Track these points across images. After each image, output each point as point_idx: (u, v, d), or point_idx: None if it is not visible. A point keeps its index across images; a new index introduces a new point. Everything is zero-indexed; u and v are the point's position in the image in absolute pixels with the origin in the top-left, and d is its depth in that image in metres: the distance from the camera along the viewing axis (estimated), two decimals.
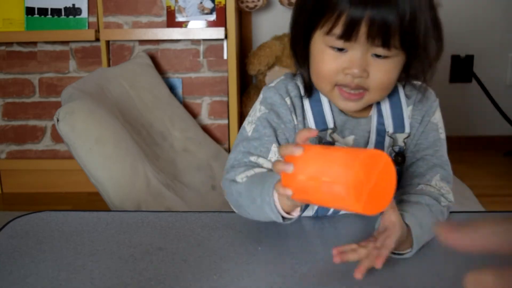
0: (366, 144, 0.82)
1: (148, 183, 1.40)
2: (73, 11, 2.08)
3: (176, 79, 2.13)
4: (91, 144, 1.31)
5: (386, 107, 0.84)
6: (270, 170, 0.79)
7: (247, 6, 2.30)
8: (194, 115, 2.08)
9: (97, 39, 2.08)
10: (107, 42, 2.10)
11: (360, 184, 0.53)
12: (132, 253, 0.73)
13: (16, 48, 2.16)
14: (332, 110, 0.83)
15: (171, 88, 2.07)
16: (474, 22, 2.64)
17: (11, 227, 0.82)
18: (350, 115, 0.83)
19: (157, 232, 0.80)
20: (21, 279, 0.67)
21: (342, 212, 0.85)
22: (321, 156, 0.58)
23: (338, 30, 0.72)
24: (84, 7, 2.08)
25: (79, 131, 1.30)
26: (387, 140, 0.83)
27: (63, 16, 2.09)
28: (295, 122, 0.82)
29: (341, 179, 0.54)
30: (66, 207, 2.06)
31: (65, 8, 2.08)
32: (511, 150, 2.66)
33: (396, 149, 0.83)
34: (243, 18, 2.51)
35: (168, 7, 2.08)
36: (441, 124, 0.86)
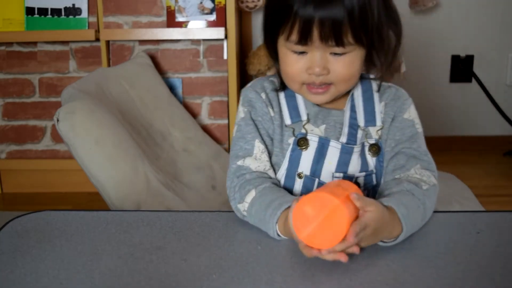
0: (339, 135, 0.87)
1: (148, 183, 1.40)
2: (73, 11, 2.08)
3: (176, 79, 2.13)
4: (91, 144, 1.31)
5: (359, 103, 0.89)
6: (257, 175, 0.85)
7: (247, 6, 2.30)
8: (194, 115, 2.08)
9: (97, 39, 2.08)
10: (107, 42, 2.10)
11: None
12: (132, 252, 0.73)
13: (16, 48, 2.16)
14: (305, 103, 0.89)
15: (171, 88, 2.07)
16: (474, 22, 2.64)
17: (11, 227, 0.82)
18: (322, 106, 0.89)
19: (157, 232, 0.80)
20: (21, 279, 0.67)
21: None
22: None
23: (294, 36, 0.78)
24: (84, 7, 2.08)
25: (79, 131, 1.30)
26: (360, 132, 0.88)
27: (63, 16, 2.09)
28: (272, 114, 0.89)
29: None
30: (66, 207, 2.06)
31: (65, 8, 2.08)
32: (511, 150, 2.66)
33: (371, 141, 0.88)
34: (243, 18, 2.51)
35: (168, 7, 2.08)
36: (417, 120, 0.91)
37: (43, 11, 2.09)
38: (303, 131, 0.87)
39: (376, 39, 0.80)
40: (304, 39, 0.77)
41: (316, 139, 0.87)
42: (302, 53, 0.81)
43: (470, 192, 1.59)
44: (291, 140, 0.87)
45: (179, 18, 2.08)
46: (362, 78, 0.91)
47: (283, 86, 0.90)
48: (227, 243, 0.76)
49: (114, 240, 0.77)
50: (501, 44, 2.66)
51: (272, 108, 0.89)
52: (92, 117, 1.34)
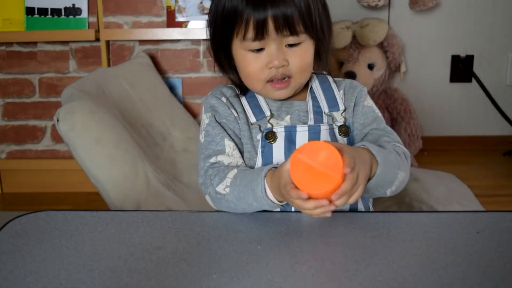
0: (306, 121, 0.92)
1: (148, 183, 1.40)
2: (73, 11, 2.08)
3: (176, 79, 2.13)
4: (91, 144, 1.31)
5: (319, 93, 0.96)
6: (232, 166, 0.89)
7: None
8: (194, 115, 2.09)
9: (97, 39, 2.08)
10: (107, 42, 2.10)
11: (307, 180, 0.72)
12: (132, 252, 0.73)
13: (16, 48, 2.16)
14: (266, 100, 0.95)
15: (171, 88, 2.07)
16: (474, 22, 2.64)
17: (11, 227, 0.82)
18: (283, 100, 0.94)
19: (157, 232, 0.80)
20: (21, 279, 0.67)
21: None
22: None
23: (250, 34, 0.85)
24: (84, 7, 2.08)
25: (79, 131, 1.30)
26: (325, 117, 0.93)
27: (63, 16, 2.09)
28: (235, 115, 0.93)
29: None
30: (66, 207, 2.06)
31: (65, 8, 2.08)
32: (511, 150, 2.66)
33: (338, 123, 0.93)
34: None
35: (168, 7, 2.08)
36: (375, 107, 0.98)
37: (43, 11, 2.09)
38: (269, 126, 0.92)
39: (319, 31, 0.89)
40: (261, 33, 0.84)
41: (282, 129, 0.91)
42: (259, 50, 0.87)
43: (470, 192, 1.59)
44: (259, 136, 0.91)
45: (179, 18, 2.08)
46: (317, 74, 0.98)
47: (243, 91, 0.95)
48: (227, 243, 0.76)
49: (114, 240, 0.77)
50: (501, 44, 2.66)
51: (235, 109, 0.93)
52: (92, 117, 1.34)
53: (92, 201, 2.09)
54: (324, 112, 0.94)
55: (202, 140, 0.93)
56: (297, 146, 0.90)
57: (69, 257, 0.72)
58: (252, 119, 0.93)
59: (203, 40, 2.10)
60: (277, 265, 0.70)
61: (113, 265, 0.70)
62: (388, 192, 0.87)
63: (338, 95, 0.96)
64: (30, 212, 0.87)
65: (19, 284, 0.66)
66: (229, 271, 0.68)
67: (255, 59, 0.88)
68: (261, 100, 0.94)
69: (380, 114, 0.97)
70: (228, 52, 0.92)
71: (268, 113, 0.93)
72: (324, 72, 0.99)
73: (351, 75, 2.33)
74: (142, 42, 2.12)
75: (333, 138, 0.92)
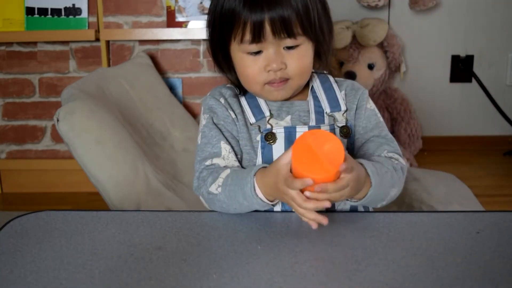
0: (307, 121, 0.92)
1: (148, 183, 1.40)
2: (73, 11, 2.08)
3: (176, 79, 2.13)
4: (91, 144, 1.31)
5: (320, 93, 0.95)
6: (226, 167, 0.89)
7: None
8: (194, 115, 2.08)
9: (97, 39, 2.08)
10: (107, 42, 2.10)
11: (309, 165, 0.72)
12: (132, 252, 0.73)
13: (16, 48, 2.16)
14: (266, 100, 0.93)
15: (171, 88, 2.07)
16: (474, 22, 2.64)
17: (11, 227, 0.82)
18: (284, 100, 0.93)
19: (157, 232, 0.80)
20: (21, 279, 0.67)
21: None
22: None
23: (247, 36, 0.84)
24: (84, 7, 2.08)
25: (79, 131, 1.30)
26: (327, 118, 0.93)
27: (63, 16, 2.09)
28: (233, 116, 0.92)
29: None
30: (66, 207, 2.06)
31: (65, 8, 2.08)
32: (511, 150, 2.66)
33: (340, 124, 0.93)
34: None
35: (168, 7, 2.08)
36: (376, 110, 0.98)
37: (43, 11, 2.09)
38: (268, 126, 0.91)
39: (319, 32, 0.87)
40: (258, 36, 0.83)
41: (282, 130, 0.90)
42: (257, 53, 0.86)
43: (470, 192, 1.59)
44: (259, 137, 0.91)
45: (179, 18, 2.08)
46: (318, 73, 0.98)
47: (243, 91, 0.94)
48: (227, 243, 0.76)
49: (114, 240, 0.77)
50: (501, 44, 2.66)
51: (233, 110, 0.93)
52: (92, 117, 1.34)
53: (92, 201, 2.09)
54: (326, 112, 0.93)
55: (199, 142, 0.93)
56: None
57: (69, 257, 0.72)
58: (252, 119, 0.92)
59: (203, 40, 2.10)
60: (277, 265, 0.70)
61: (113, 265, 0.70)
62: (379, 205, 0.89)
63: (340, 95, 0.95)
64: (30, 212, 0.87)
65: (19, 284, 0.66)
66: (229, 271, 0.68)
67: (253, 62, 0.87)
68: (260, 100, 0.94)
69: (381, 119, 0.97)
70: (226, 53, 0.91)
71: (267, 113, 0.92)
72: (325, 72, 0.98)
73: (351, 75, 2.33)
74: (142, 42, 2.12)
75: None
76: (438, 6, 2.58)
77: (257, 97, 0.94)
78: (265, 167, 0.81)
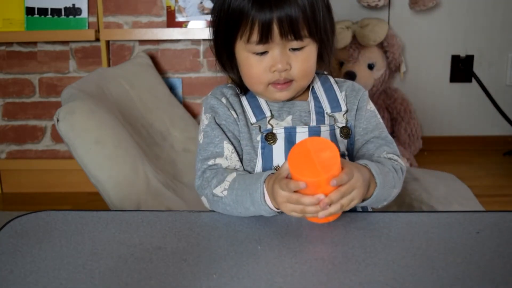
0: (308, 122, 0.92)
1: (148, 183, 1.40)
2: (73, 11, 2.08)
3: (176, 79, 2.13)
4: (91, 144, 1.31)
5: (321, 93, 0.95)
6: (231, 168, 0.89)
7: None
8: (194, 115, 2.08)
9: (97, 39, 2.08)
10: (107, 42, 2.10)
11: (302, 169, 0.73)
12: (132, 252, 0.73)
13: (16, 48, 2.16)
14: (266, 101, 0.94)
15: (171, 88, 2.07)
16: (474, 22, 2.64)
17: (11, 227, 0.82)
18: (285, 101, 0.93)
19: (157, 232, 0.80)
20: (21, 279, 0.67)
21: None
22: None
23: (255, 37, 0.84)
24: (84, 7, 2.08)
25: (79, 131, 1.30)
26: (327, 118, 0.93)
27: (63, 16, 2.09)
28: (235, 116, 0.92)
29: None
30: (66, 207, 2.06)
31: (65, 8, 2.08)
32: (511, 150, 2.66)
33: (340, 124, 0.93)
34: None
35: (168, 7, 2.08)
36: (376, 111, 0.99)
37: (43, 11, 2.09)
38: (269, 127, 0.91)
39: (323, 34, 0.88)
40: (265, 37, 0.83)
41: (282, 130, 0.90)
42: (263, 53, 0.86)
43: (470, 192, 1.59)
44: (259, 137, 0.91)
45: (179, 18, 2.08)
46: (318, 74, 0.98)
47: (244, 91, 0.94)
48: (227, 243, 0.76)
49: (114, 240, 0.77)
50: (501, 44, 2.66)
51: (234, 110, 0.93)
52: (92, 117, 1.34)
53: (92, 201, 2.09)
54: (326, 112, 0.93)
55: (201, 141, 0.92)
56: None
57: (69, 257, 0.72)
58: (252, 119, 0.92)
59: (203, 40, 2.10)
60: (277, 265, 0.70)
61: (113, 265, 0.70)
62: (381, 206, 0.89)
63: (340, 96, 0.95)
64: (30, 212, 0.87)
65: (19, 284, 0.66)
66: (229, 271, 0.68)
67: (258, 62, 0.87)
68: (261, 100, 0.94)
69: (381, 120, 0.98)
70: (230, 51, 0.91)
71: (268, 114, 0.92)
72: (325, 73, 0.98)
73: (351, 75, 2.33)
74: (142, 42, 2.12)
75: (334, 139, 0.92)
76: (438, 6, 2.58)
77: (258, 97, 0.94)
78: (273, 173, 0.81)
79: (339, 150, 0.89)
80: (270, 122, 0.92)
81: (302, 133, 0.90)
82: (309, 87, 0.96)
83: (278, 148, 0.90)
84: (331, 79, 0.98)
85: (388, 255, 0.72)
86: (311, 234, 0.79)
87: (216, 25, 0.91)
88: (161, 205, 1.38)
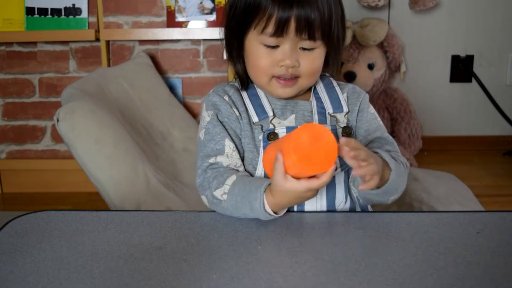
0: (310, 121, 0.93)
1: (148, 183, 1.40)
2: (73, 11, 2.08)
3: (176, 79, 2.13)
4: (91, 144, 1.31)
5: (323, 94, 0.96)
6: (231, 168, 0.89)
7: None
8: (194, 115, 2.09)
9: (97, 39, 2.08)
10: (107, 42, 2.10)
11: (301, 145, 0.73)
12: (132, 252, 0.73)
13: (16, 48, 2.16)
14: (269, 100, 0.94)
15: (171, 88, 2.07)
16: (474, 22, 2.64)
17: (11, 227, 0.82)
18: (288, 99, 0.94)
19: (157, 232, 0.80)
20: (21, 279, 0.67)
21: (306, 208, 0.91)
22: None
23: (270, 29, 0.85)
24: (84, 7, 2.08)
25: (79, 131, 1.30)
26: (329, 118, 0.94)
27: (63, 16, 2.09)
28: (237, 114, 0.92)
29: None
30: (66, 207, 2.06)
31: (65, 8, 2.08)
32: (511, 150, 2.66)
33: (342, 125, 0.94)
34: None
35: (168, 7, 2.08)
36: (376, 114, 0.99)
37: (43, 11, 2.09)
38: (271, 126, 0.91)
39: (335, 40, 0.89)
40: (281, 31, 0.84)
41: (284, 130, 0.91)
42: (273, 47, 0.87)
43: (470, 192, 1.59)
44: (261, 137, 0.91)
45: (179, 18, 2.08)
46: (320, 76, 0.97)
47: (245, 85, 0.95)
48: (227, 243, 0.76)
49: (114, 240, 0.77)
50: (501, 44, 2.66)
51: (237, 108, 0.93)
52: (92, 117, 1.34)
53: (92, 201, 2.09)
54: (328, 112, 0.94)
55: (202, 138, 0.92)
56: None
57: (69, 257, 0.72)
58: (255, 118, 0.92)
59: (203, 40, 2.10)
60: (277, 265, 0.70)
61: (113, 265, 0.70)
62: (390, 200, 0.89)
63: (342, 97, 0.96)
64: (30, 212, 0.87)
65: (19, 284, 0.66)
66: (229, 271, 0.68)
67: (268, 55, 0.87)
68: (264, 99, 0.94)
69: (381, 122, 0.99)
70: (241, 41, 0.91)
71: (270, 113, 0.92)
72: (327, 74, 0.99)
73: (351, 75, 2.33)
74: (142, 42, 2.12)
75: (336, 139, 0.92)
76: (438, 6, 2.58)
77: (260, 96, 0.94)
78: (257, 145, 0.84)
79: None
80: (272, 121, 0.92)
81: None
82: (310, 88, 0.96)
83: None
84: (333, 81, 0.99)
85: (388, 255, 0.72)
86: (311, 234, 0.79)
87: (232, 11, 0.90)
88: (161, 205, 1.38)
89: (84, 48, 2.15)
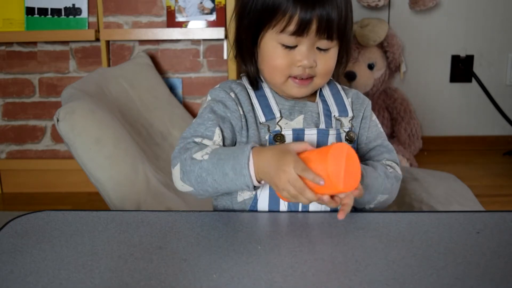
0: (318, 123, 0.93)
1: (148, 183, 1.40)
2: (73, 11, 2.08)
3: (176, 79, 2.13)
4: (91, 144, 1.31)
5: (329, 96, 0.96)
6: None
7: None
8: (194, 115, 2.08)
9: (97, 39, 2.08)
10: (107, 42, 2.10)
11: (335, 172, 0.74)
12: (132, 252, 0.73)
13: (16, 48, 2.16)
14: (276, 101, 0.93)
15: (171, 88, 2.07)
16: (474, 22, 2.64)
17: (11, 227, 0.82)
18: (297, 100, 0.94)
19: (157, 232, 0.80)
20: (21, 279, 0.67)
21: (311, 208, 0.90)
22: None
23: (291, 28, 0.85)
24: (84, 7, 2.09)
25: (79, 131, 1.30)
26: (334, 122, 0.94)
27: (63, 16, 2.09)
28: (241, 113, 0.91)
29: (322, 174, 0.75)
30: (66, 207, 2.06)
31: (65, 8, 2.09)
32: (511, 150, 2.66)
33: (345, 129, 0.94)
34: None
35: (168, 7, 2.08)
36: (377, 121, 1.01)
37: (43, 11, 2.09)
38: (278, 128, 0.91)
39: (348, 40, 0.91)
40: (302, 31, 0.84)
41: (290, 132, 0.90)
42: (291, 47, 0.87)
43: (470, 192, 1.59)
44: (267, 137, 0.91)
45: (179, 18, 2.08)
46: None
47: (255, 86, 0.94)
48: (227, 243, 0.76)
49: (114, 240, 0.77)
50: (501, 44, 2.66)
51: (242, 107, 0.92)
52: (92, 117, 1.34)
53: (92, 201, 2.09)
54: (334, 116, 0.94)
55: (193, 121, 0.92)
56: None
57: (69, 257, 0.72)
58: (262, 118, 0.91)
59: (203, 40, 2.10)
60: (277, 265, 0.70)
61: (113, 265, 0.70)
62: (367, 207, 0.92)
63: (347, 101, 0.97)
64: (30, 212, 0.87)
65: (19, 284, 0.66)
66: (229, 271, 0.68)
67: (285, 55, 0.87)
68: (271, 100, 0.93)
69: (382, 129, 1.01)
70: (254, 41, 0.90)
71: (278, 115, 0.92)
72: (331, 79, 0.99)
73: (351, 75, 2.33)
74: (142, 42, 2.12)
75: None
76: (438, 6, 2.58)
77: (267, 97, 0.93)
78: (261, 145, 0.84)
79: None
80: (279, 123, 0.91)
81: (310, 135, 0.90)
82: (316, 90, 0.96)
83: None
84: (338, 85, 0.99)
85: (388, 255, 0.72)
86: (311, 234, 0.79)
87: (245, 13, 0.90)
88: (161, 205, 1.38)
89: (84, 48, 2.15)
